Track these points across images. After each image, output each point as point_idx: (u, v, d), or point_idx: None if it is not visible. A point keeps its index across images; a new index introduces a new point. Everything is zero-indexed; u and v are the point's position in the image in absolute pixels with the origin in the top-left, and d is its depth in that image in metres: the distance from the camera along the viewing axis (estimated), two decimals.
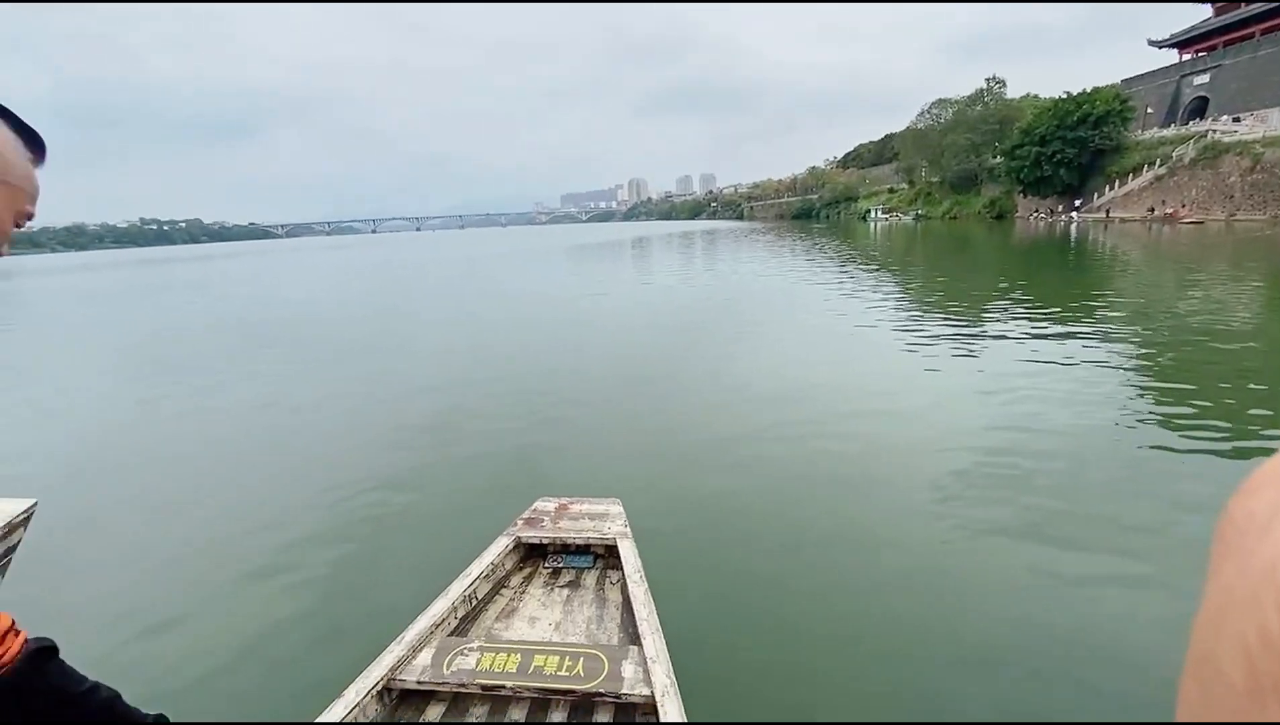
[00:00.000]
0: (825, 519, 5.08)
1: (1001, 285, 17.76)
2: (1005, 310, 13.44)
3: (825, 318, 13.75)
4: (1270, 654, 0.24)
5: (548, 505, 3.96)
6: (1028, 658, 3.44)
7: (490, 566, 3.41)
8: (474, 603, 3.27)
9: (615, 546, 3.53)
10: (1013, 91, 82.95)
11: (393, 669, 2.71)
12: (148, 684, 3.62)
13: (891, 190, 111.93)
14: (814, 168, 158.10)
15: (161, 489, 6.55)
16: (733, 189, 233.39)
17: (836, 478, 5.77)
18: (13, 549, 4.10)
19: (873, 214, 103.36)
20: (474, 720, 2.59)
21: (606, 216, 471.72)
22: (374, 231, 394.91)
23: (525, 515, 3.86)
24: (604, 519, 3.80)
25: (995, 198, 77.81)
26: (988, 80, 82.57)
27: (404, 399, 9.28)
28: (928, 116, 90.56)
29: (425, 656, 2.87)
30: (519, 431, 7.37)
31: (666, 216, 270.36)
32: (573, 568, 3.64)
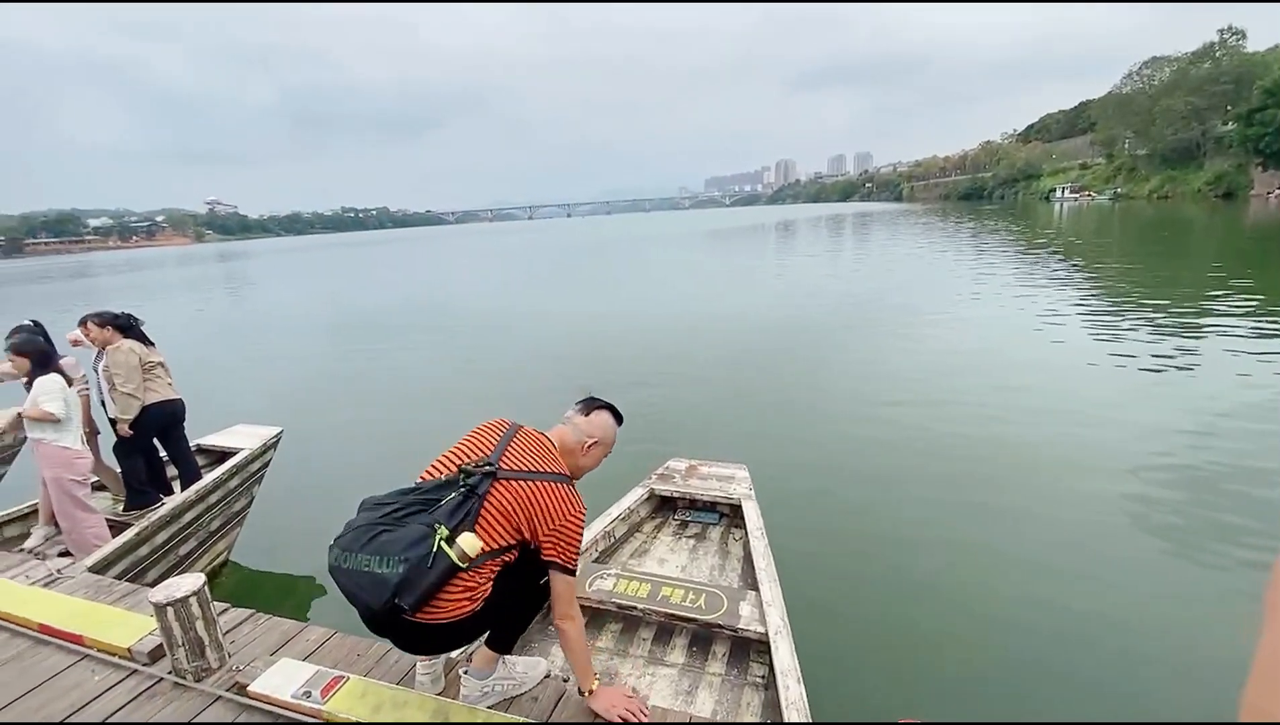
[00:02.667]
0: (952, 504, 4.95)
1: (1237, 282, 14.03)
2: (1240, 312, 11.19)
3: (990, 309, 12.67)
4: None
5: (679, 464, 4.31)
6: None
7: (627, 510, 3.84)
8: (612, 539, 3.71)
9: (740, 506, 3.80)
10: (1255, 44, 67.67)
11: None
12: (323, 568, 4.60)
13: (1084, 166, 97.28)
14: (988, 142, 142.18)
15: (365, 420, 8.06)
16: (891, 168, 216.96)
17: (969, 470, 5.53)
18: (267, 464, 5.29)
19: (1058, 193, 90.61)
20: (610, 633, 3.02)
21: (751, 200, 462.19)
22: (530, 217, 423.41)
23: (659, 471, 4.25)
24: (730, 481, 4.07)
25: (1223, 172, 64.04)
26: (1221, 32, 68.08)
27: (559, 361, 10.33)
28: (1135, 79, 76.80)
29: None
30: (656, 397, 7.87)
31: (815, 199, 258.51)
32: (699, 522, 3.97)
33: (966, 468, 5.60)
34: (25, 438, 6.51)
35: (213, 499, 4.57)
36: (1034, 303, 12.68)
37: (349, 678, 1.99)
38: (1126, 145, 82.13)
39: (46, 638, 2.37)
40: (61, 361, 4.24)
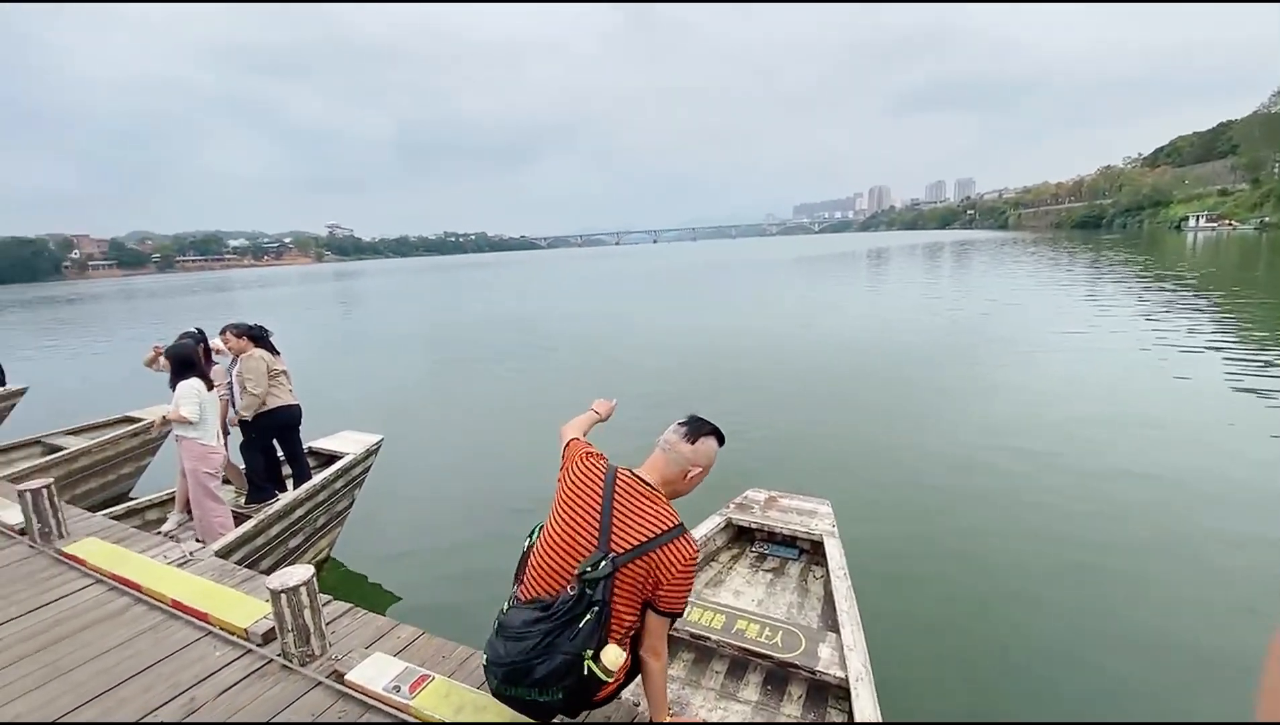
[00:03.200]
0: (1059, 560, 4.53)
1: None
2: None
3: (1111, 344, 11.62)
4: None
5: (758, 495, 4.23)
6: None
7: (703, 539, 3.81)
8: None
9: (821, 543, 3.67)
10: None
11: None
12: (425, 568, 4.90)
13: (1224, 192, 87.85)
14: (1108, 168, 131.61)
15: (460, 433, 8.48)
16: (996, 194, 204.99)
17: (1081, 522, 5.04)
18: (368, 469, 5.66)
19: (1190, 222, 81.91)
20: (682, 661, 2.99)
21: (842, 227, 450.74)
22: (617, 243, 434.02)
23: (737, 500, 4.19)
24: (812, 516, 3.95)
25: None
26: None
27: (641, 380, 10.43)
28: None
29: None
30: (736, 423, 7.69)
31: (911, 226, 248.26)
32: (778, 556, 3.86)
33: (1079, 520, 5.12)
34: (169, 433, 7.34)
35: (320, 498, 4.95)
36: (1163, 338, 11.52)
37: (435, 677, 2.10)
38: (1277, 169, 73.55)
39: (177, 612, 2.65)
40: (213, 369, 4.77)
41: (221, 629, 2.49)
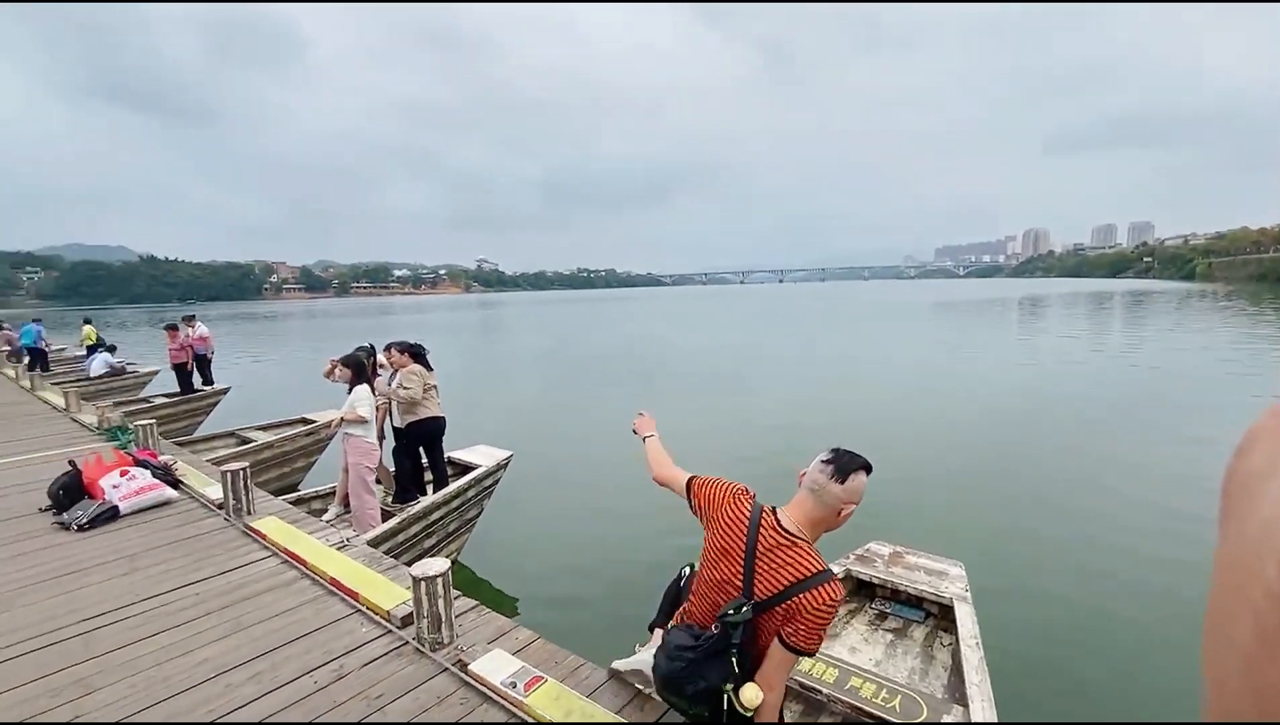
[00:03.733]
0: None
1: None
2: None
3: None
4: (1274, 607, 0.26)
5: (882, 548, 3.98)
6: None
7: None
8: None
9: (951, 607, 3.38)
10: None
11: None
12: (543, 578, 5.05)
13: None
14: None
15: (583, 455, 8.83)
16: (1180, 240, 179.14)
17: None
18: (497, 482, 6.04)
19: None
20: (789, 710, 2.86)
21: (990, 271, 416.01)
22: (742, 282, 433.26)
23: (858, 552, 3.97)
24: (942, 578, 3.65)
25: None
26: None
27: (762, 419, 10.23)
28: None
29: None
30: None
31: (1074, 273, 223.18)
32: (901, 616, 3.60)
33: None
34: (335, 433, 8.31)
35: (454, 504, 5.37)
36: None
37: (547, 679, 2.19)
38: None
39: (334, 589, 3.00)
40: (375, 381, 5.41)
41: (368, 608, 2.78)
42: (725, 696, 1.78)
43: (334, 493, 5.61)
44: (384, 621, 2.68)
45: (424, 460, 5.68)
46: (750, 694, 1.75)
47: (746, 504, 1.96)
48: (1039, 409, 10.85)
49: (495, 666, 2.25)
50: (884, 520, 5.85)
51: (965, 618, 3.24)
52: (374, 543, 4.14)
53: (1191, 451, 8.05)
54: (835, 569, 3.81)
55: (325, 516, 5.36)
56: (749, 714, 1.77)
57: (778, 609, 1.76)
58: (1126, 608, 4.56)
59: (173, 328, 10.77)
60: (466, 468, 5.93)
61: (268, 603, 2.92)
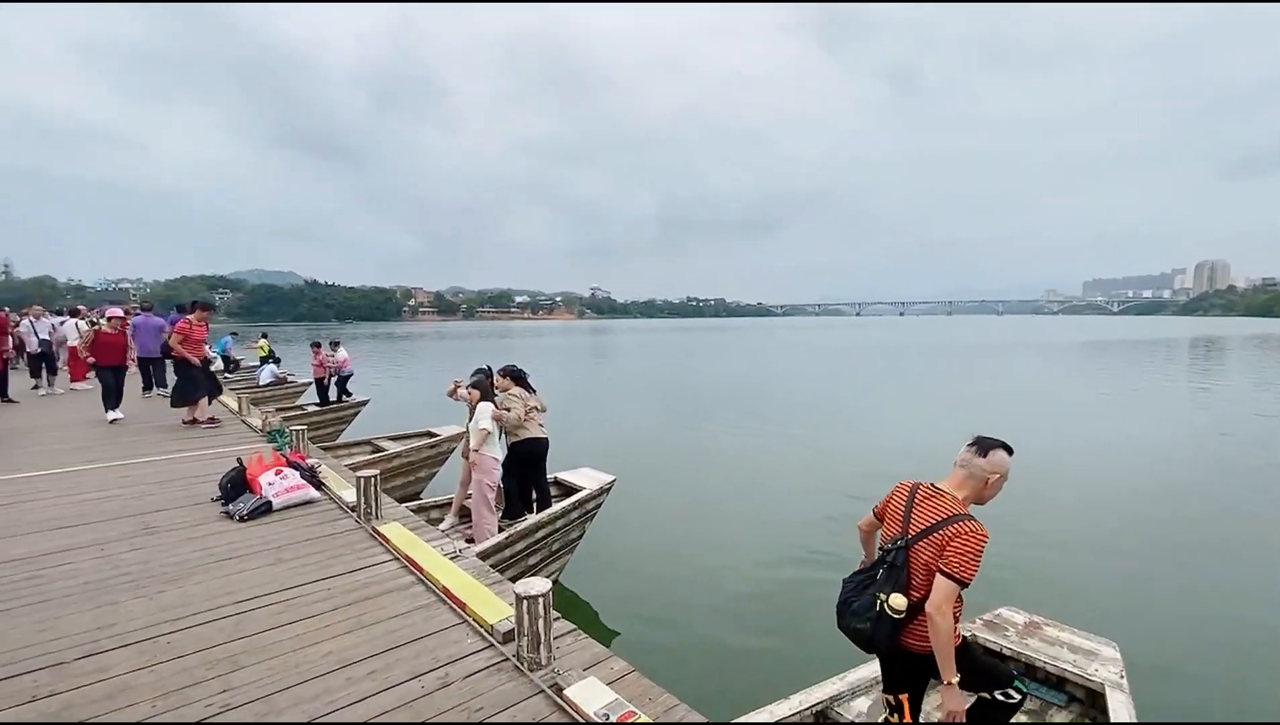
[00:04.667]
0: None
1: None
2: None
3: None
4: None
5: (1015, 616, 3.56)
6: None
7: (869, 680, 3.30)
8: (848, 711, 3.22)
9: (1102, 693, 2.94)
10: None
11: (831, 699, 2.98)
12: (641, 608, 4.97)
13: None
14: None
15: (686, 486, 8.73)
16: None
17: None
18: (600, 506, 6.12)
19: None
20: None
21: (1152, 308, 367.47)
22: (858, 314, 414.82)
23: (986, 617, 3.58)
24: (1090, 658, 3.19)
25: None
26: None
27: (872, 462, 9.63)
28: None
29: (862, 703, 3.04)
30: (990, 528, 6.63)
31: (1263, 312, 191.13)
32: (1038, 697, 3.18)
33: None
34: (454, 448, 8.82)
35: (557, 524, 5.50)
36: None
37: (640, 716, 2.15)
38: None
39: (445, 598, 3.16)
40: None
41: (474, 620, 2.89)
42: (878, 604, 2.28)
43: (450, 504, 5.96)
44: (487, 635, 2.77)
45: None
46: (897, 601, 2.25)
47: (908, 483, 2.49)
48: (1218, 471, 9.34)
49: (590, 695, 2.25)
50: (1018, 585, 5.28)
51: (1120, 708, 2.80)
52: (483, 555, 4.33)
53: None
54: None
55: (441, 526, 5.70)
56: (897, 616, 2.25)
57: (931, 540, 2.25)
58: None
59: (316, 346, 12.32)
60: (570, 489, 6.08)
61: (386, 604, 3.13)
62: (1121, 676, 3.03)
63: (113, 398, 8.41)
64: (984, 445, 2.34)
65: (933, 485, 2.39)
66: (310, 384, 14.77)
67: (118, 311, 9.23)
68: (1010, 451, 2.34)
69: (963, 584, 2.17)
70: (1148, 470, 9.47)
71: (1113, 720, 2.75)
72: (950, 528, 2.21)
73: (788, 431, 12.93)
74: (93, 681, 2.46)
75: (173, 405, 8.25)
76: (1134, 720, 2.71)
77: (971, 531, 2.18)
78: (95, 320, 13.26)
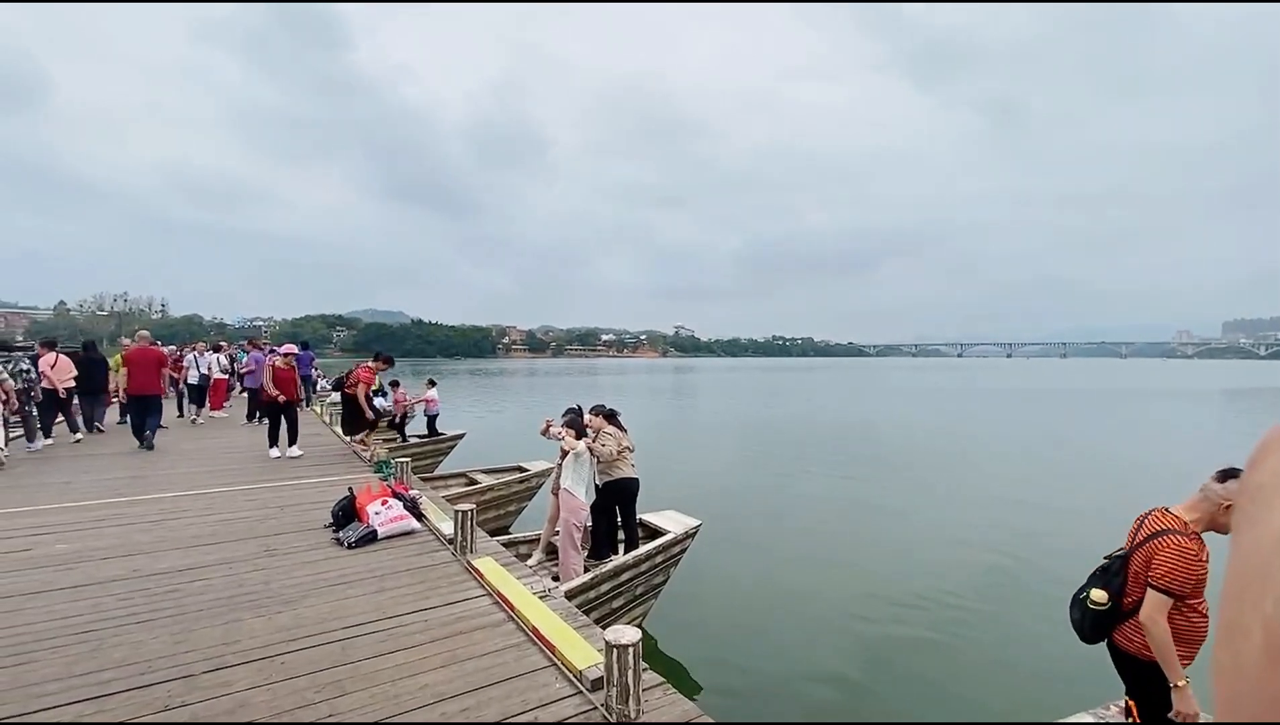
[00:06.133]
0: None
1: None
2: None
3: None
4: None
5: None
6: None
7: None
8: None
9: None
10: None
11: None
12: (729, 662, 4.74)
13: None
14: None
15: (775, 531, 8.45)
16: None
17: None
18: (685, 550, 5.99)
19: None
20: None
21: None
22: (960, 356, 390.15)
23: (1120, 703, 3.14)
24: None
25: None
26: None
27: (990, 531, 8.90)
28: None
29: None
30: None
31: None
32: None
33: None
34: (543, 484, 8.99)
35: (643, 568, 5.43)
36: None
37: None
38: None
39: (535, 639, 3.17)
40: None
41: (563, 664, 2.88)
42: (1086, 596, 2.69)
43: (538, 539, 6.06)
44: (576, 681, 2.74)
45: (618, 520, 5.90)
46: (1097, 595, 2.64)
47: (1149, 509, 2.71)
48: None
49: None
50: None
51: None
52: (569, 594, 4.33)
53: None
54: (1088, 718, 3.06)
55: (530, 561, 5.78)
56: (1096, 608, 2.63)
57: (1143, 551, 2.51)
58: None
59: (395, 384, 12.74)
60: (656, 532, 6.00)
61: (479, 640, 3.18)
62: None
63: (279, 433, 8.56)
64: (1225, 473, 2.43)
65: (1166, 508, 2.59)
66: (414, 417, 15.67)
67: (293, 349, 9.27)
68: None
69: (1169, 594, 2.36)
70: None
71: None
72: (1158, 540, 2.44)
73: (881, 480, 12.22)
74: (217, 695, 2.64)
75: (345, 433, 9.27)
76: None
77: (1177, 545, 2.37)
78: (234, 355, 14.85)
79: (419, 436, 12.50)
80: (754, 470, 13.24)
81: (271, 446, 8.55)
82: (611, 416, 5.96)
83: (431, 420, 12.68)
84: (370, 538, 4.72)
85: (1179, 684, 2.37)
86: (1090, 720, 3.05)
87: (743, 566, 7.29)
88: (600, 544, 5.78)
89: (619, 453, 5.68)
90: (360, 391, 8.53)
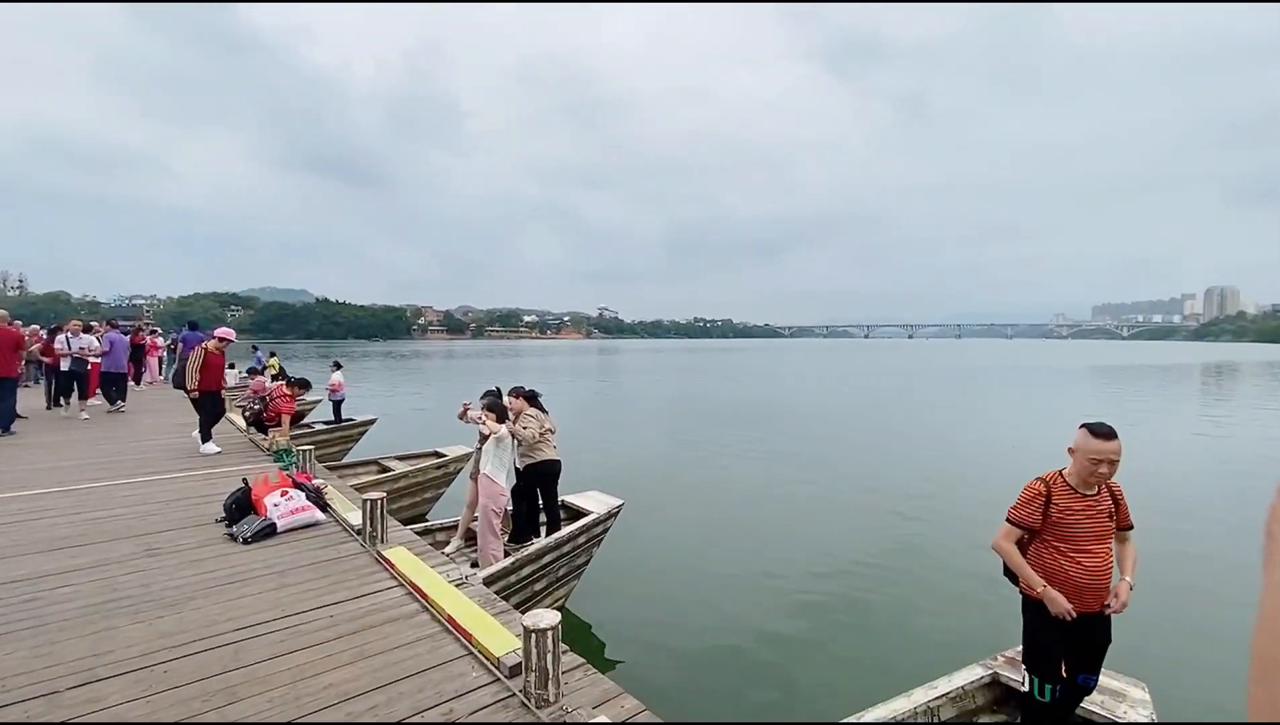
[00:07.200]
0: None
1: None
2: None
3: None
4: None
5: None
6: None
7: (959, 690, 3.19)
8: (934, 719, 3.10)
9: None
10: None
11: None
12: (651, 638, 4.84)
13: None
14: None
15: (696, 509, 8.59)
16: None
17: None
18: (607, 530, 6.01)
19: None
20: None
21: (1163, 333, 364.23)
22: (866, 337, 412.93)
23: (1008, 653, 3.45)
24: (1119, 699, 3.05)
25: None
26: None
27: (878, 488, 9.48)
28: None
29: None
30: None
31: (1274, 338, 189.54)
32: None
33: None
34: (461, 469, 8.75)
35: (565, 549, 5.40)
36: None
37: None
38: None
39: (450, 628, 3.07)
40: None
41: (480, 652, 2.80)
42: None
43: (456, 526, 5.88)
44: (493, 668, 2.67)
45: (539, 502, 5.82)
46: None
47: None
48: (1220, 502, 9.12)
49: None
50: None
51: None
52: (488, 581, 4.24)
53: None
54: (979, 669, 3.33)
55: (447, 549, 5.60)
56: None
57: None
58: None
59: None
60: (578, 513, 5.97)
61: (389, 633, 3.04)
62: (1152, 718, 2.90)
63: (204, 428, 7.61)
64: (1083, 426, 2.69)
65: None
66: (319, 402, 14.75)
67: (229, 334, 8.29)
68: (1098, 433, 2.59)
69: (1008, 521, 2.79)
70: (1169, 500, 9.26)
71: None
72: None
73: (798, 455, 12.77)
74: (85, 713, 2.38)
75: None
76: None
77: (1026, 485, 2.78)
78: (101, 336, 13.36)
79: (325, 422, 11.77)
80: (675, 449, 13.46)
81: (203, 441, 7.58)
82: (533, 398, 5.84)
83: (337, 405, 11.94)
84: (269, 531, 4.40)
85: (1038, 590, 2.66)
86: (981, 671, 3.33)
87: (664, 542, 7.41)
88: (522, 528, 5.69)
89: (541, 435, 5.59)
90: (285, 423, 7.77)
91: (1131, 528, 2.79)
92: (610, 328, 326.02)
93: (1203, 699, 4.16)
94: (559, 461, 5.72)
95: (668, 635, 5.20)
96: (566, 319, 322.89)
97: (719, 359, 63.10)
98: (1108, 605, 2.70)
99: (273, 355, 18.14)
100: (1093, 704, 3.02)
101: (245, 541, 4.27)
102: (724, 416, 18.92)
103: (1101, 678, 3.22)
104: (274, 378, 16.26)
